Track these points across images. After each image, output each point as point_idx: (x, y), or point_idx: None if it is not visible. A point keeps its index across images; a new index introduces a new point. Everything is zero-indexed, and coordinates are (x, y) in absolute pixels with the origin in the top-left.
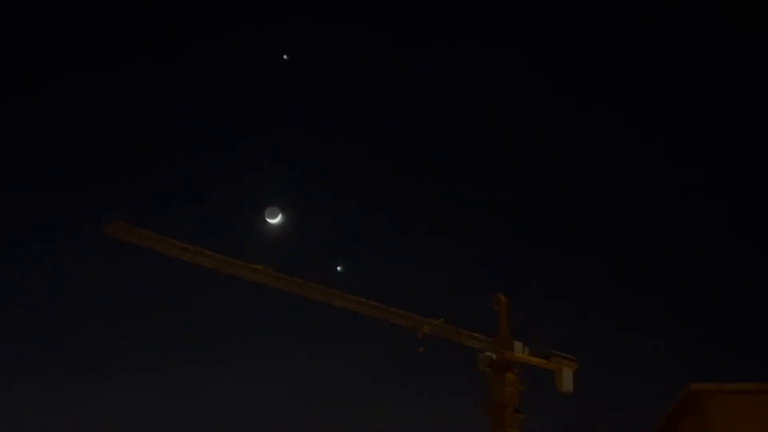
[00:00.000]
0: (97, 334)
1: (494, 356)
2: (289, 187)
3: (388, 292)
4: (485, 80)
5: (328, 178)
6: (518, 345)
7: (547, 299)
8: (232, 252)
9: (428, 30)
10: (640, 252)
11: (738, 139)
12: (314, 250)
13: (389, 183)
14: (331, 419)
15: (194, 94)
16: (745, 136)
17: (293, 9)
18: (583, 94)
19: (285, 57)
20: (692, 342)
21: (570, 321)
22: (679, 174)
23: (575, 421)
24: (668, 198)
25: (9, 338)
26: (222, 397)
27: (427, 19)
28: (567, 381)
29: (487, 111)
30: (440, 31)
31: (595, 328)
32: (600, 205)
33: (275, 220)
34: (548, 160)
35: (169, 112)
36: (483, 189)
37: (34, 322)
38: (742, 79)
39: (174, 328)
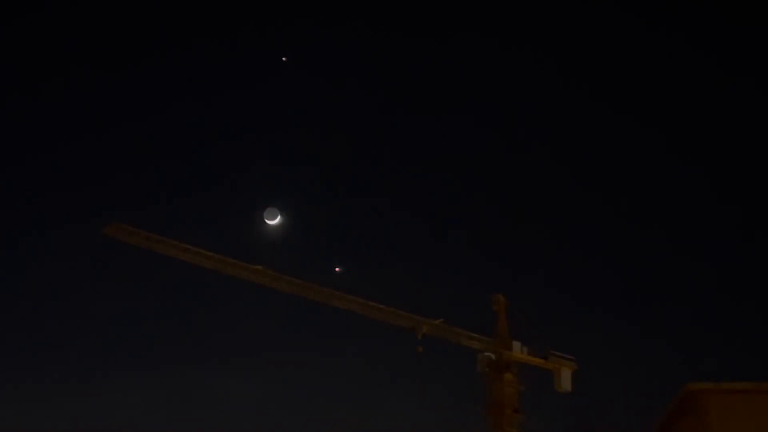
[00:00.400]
0: (97, 335)
1: (493, 356)
2: (288, 188)
3: (387, 292)
4: (485, 80)
5: (327, 179)
6: (517, 345)
7: (546, 299)
8: (230, 253)
9: (428, 30)
10: (640, 251)
11: (739, 137)
12: (313, 251)
13: (388, 183)
14: (330, 419)
15: (194, 94)
16: (746, 135)
17: (293, 9)
18: (584, 92)
19: (284, 59)
20: (691, 342)
21: (569, 321)
22: (680, 172)
23: (574, 421)
24: (668, 197)
25: (8, 338)
26: (222, 397)
27: (428, 18)
28: (565, 381)
29: (487, 111)
30: (440, 31)
31: (595, 328)
32: (599, 204)
33: (274, 221)
34: (548, 160)
35: (169, 112)
36: (483, 189)
37: (33, 323)
38: (742, 78)
39: (173, 329)
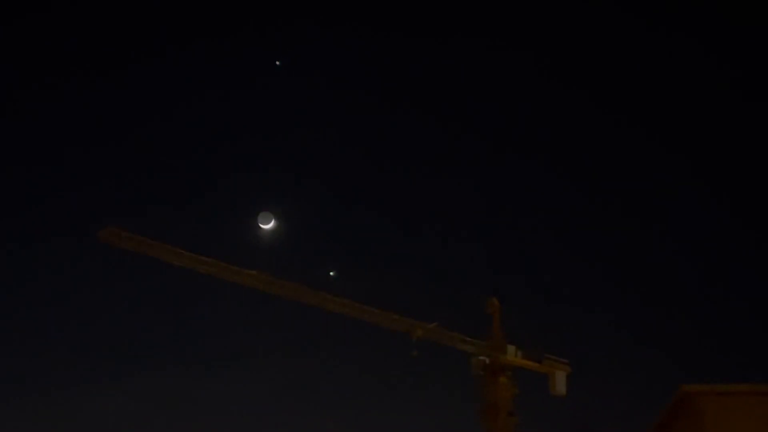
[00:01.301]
0: (93, 339)
1: (487, 360)
2: (283, 192)
3: (382, 296)
4: (485, 80)
5: (323, 181)
6: (511, 348)
7: (540, 302)
8: (225, 257)
9: (428, 30)
10: (635, 253)
11: (738, 137)
12: (308, 255)
13: (384, 186)
14: (325, 423)
15: (193, 95)
16: (745, 135)
17: (293, 9)
18: (584, 93)
19: (278, 63)
20: (686, 344)
21: (564, 324)
22: (678, 173)
23: (569, 424)
24: (665, 198)
25: (6, 340)
26: (218, 400)
27: (428, 18)
28: (560, 384)
29: (485, 112)
30: (440, 31)
31: (589, 330)
32: (595, 206)
33: (268, 226)
34: (547, 161)
35: (166, 113)
36: (481, 190)
37: (29, 326)
38: (742, 78)
39: (168, 333)
